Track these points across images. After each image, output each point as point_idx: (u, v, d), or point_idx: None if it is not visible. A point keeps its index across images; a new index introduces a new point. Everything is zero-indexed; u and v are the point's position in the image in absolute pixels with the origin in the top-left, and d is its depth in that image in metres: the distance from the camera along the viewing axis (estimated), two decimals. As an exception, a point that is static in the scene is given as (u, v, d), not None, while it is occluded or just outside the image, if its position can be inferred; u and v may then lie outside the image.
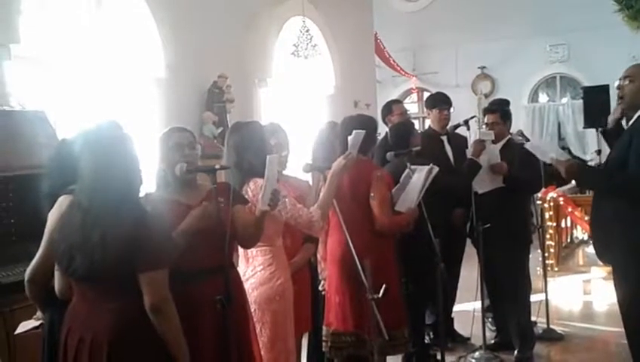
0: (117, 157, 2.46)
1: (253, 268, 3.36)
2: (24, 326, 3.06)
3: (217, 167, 2.96)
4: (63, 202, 2.69)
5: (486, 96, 14.21)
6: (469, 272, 5.48)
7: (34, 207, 2.95)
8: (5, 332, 3.18)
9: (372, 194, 3.80)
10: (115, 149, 2.48)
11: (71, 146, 2.79)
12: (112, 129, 2.74)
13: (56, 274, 2.59)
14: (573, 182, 7.27)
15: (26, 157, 3.83)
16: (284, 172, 3.83)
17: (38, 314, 3.00)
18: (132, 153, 2.53)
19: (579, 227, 8.57)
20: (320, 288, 4.03)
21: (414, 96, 15.77)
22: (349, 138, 3.45)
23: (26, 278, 2.79)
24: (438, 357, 4.43)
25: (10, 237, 3.75)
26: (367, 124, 3.85)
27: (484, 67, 14.64)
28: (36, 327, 3.01)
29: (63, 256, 2.46)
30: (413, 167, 4.05)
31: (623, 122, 3.87)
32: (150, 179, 2.94)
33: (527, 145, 4.61)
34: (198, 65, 6.62)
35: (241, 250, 3.39)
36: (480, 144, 4.88)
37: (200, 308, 2.80)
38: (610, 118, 3.97)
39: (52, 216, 2.72)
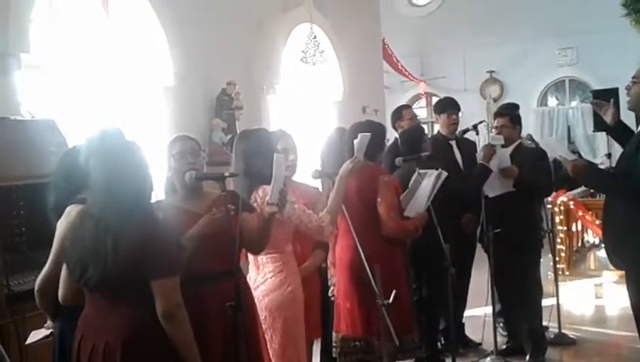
0: (127, 164, 2.47)
1: (263, 275, 3.36)
2: (35, 336, 3.07)
3: (226, 174, 2.97)
4: (71, 211, 2.70)
5: (495, 100, 14.19)
6: (480, 277, 5.45)
7: (44, 216, 2.96)
8: (17, 341, 3.19)
9: (379, 200, 3.79)
10: (124, 157, 2.49)
11: (76, 156, 2.80)
12: (117, 137, 2.75)
13: (61, 281, 2.60)
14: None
15: (37, 166, 3.85)
16: (293, 178, 3.83)
17: (49, 322, 3.01)
18: (141, 160, 2.54)
19: (590, 231, 8.50)
20: (330, 294, 4.03)
21: (423, 101, 15.78)
22: (355, 142, 3.46)
23: (35, 288, 2.80)
24: (449, 362, 4.41)
25: (20, 245, 3.77)
26: (375, 130, 3.85)
27: (492, 71, 14.63)
28: (47, 336, 3.02)
29: (75, 266, 2.47)
30: (422, 171, 4.04)
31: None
32: (159, 187, 2.95)
33: (540, 142, 4.60)
34: (207, 73, 6.65)
35: (251, 257, 3.40)
36: (490, 149, 4.87)
37: (208, 312, 2.81)
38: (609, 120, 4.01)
39: (61, 226, 2.73)
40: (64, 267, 2.56)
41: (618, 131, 4.04)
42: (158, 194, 2.93)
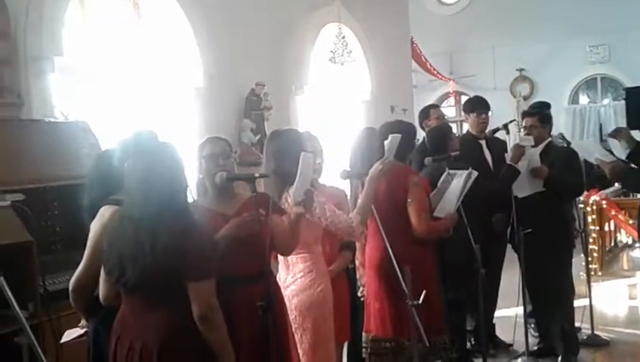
0: (164, 166, 2.49)
1: (293, 275, 3.38)
2: (69, 335, 3.12)
3: (257, 175, 2.96)
4: (104, 213, 2.74)
5: (525, 98, 14.04)
6: (511, 277, 5.41)
7: (78, 217, 3.01)
8: (53, 340, 3.25)
9: (409, 200, 3.78)
10: (161, 158, 2.52)
11: (110, 157, 2.84)
12: (151, 139, 2.78)
13: (101, 281, 2.63)
14: (617, 184, 7.16)
15: (70, 168, 3.92)
16: (320, 180, 3.83)
17: (83, 321, 3.05)
18: (177, 161, 2.56)
19: (623, 231, 8.38)
20: (359, 294, 4.04)
21: (452, 100, 15.67)
22: (385, 142, 3.45)
23: (70, 288, 2.84)
24: (480, 363, 4.39)
25: (55, 245, 3.84)
26: (405, 130, 3.84)
27: (522, 69, 14.46)
28: (81, 336, 3.06)
29: (114, 268, 2.49)
30: (451, 171, 4.02)
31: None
32: (191, 189, 2.97)
33: (573, 144, 4.54)
34: (236, 74, 6.69)
35: (281, 257, 3.41)
36: (519, 149, 4.82)
37: (239, 314, 2.81)
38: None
39: (94, 227, 2.77)
40: (102, 268, 2.60)
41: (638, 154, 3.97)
42: (190, 195, 2.95)
